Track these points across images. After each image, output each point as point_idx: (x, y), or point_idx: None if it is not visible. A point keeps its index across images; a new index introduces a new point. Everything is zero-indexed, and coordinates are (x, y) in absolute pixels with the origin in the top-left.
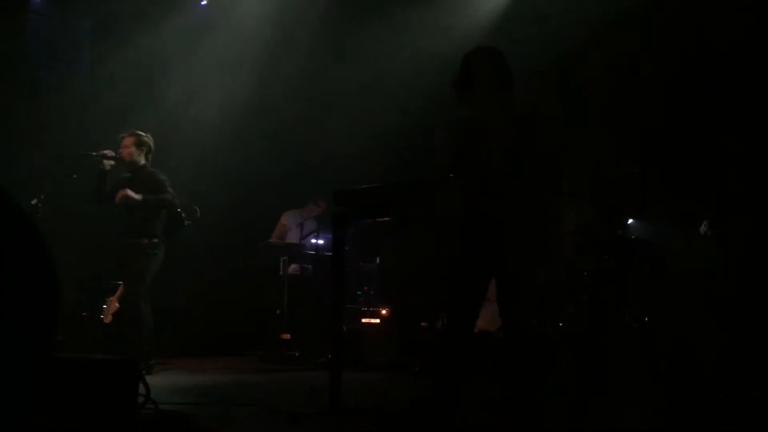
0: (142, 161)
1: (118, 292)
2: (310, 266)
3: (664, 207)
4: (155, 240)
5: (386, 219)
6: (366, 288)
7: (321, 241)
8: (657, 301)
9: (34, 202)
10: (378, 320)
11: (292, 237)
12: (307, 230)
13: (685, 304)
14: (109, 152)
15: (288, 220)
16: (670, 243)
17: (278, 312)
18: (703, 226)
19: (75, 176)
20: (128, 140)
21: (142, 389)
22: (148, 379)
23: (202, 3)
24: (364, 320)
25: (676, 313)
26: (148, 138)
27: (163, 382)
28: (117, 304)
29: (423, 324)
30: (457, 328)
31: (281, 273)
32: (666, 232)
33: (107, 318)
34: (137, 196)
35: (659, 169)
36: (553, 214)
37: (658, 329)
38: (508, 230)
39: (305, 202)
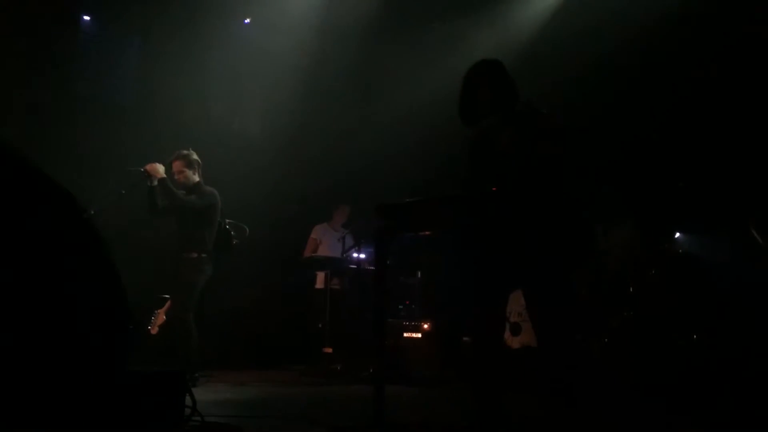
0: (197, 178)
1: (166, 305)
2: (346, 279)
3: (710, 220)
4: (204, 255)
5: (428, 233)
6: (407, 302)
7: (362, 255)
8: (704, 317)
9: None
10: (420, 335)
11: (325, 250)
12: (347, 244)
13: (733, 320)
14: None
15: (318, 234)
16: (718, 257)
17: (320, 326)
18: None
19: (123, 192)
20: (178, 164)
21: (188, 401)
22: (194, 391)
23: (246, 22)
24: (405, 335)
25: (725, 329)
26: (194, 156)
27: (207, 394)
28: (164, 317)
29: (465, 339)
30: (485, 343)
31: (317, 287)
32: (714, 246)
33: (154, 330)
34: (162, 174)
35: (706, 182)
36: (577, 220)
37: (705, 346)
38: (527, 241)
39: (331, 214)
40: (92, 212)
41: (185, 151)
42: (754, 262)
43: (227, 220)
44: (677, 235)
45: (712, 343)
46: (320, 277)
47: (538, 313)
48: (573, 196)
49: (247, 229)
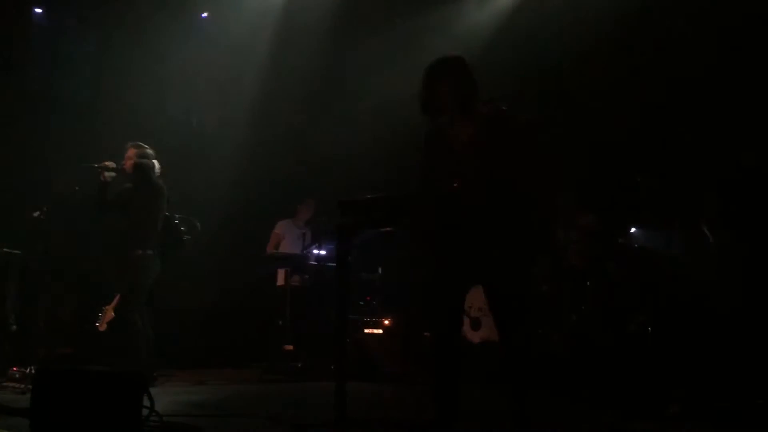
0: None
1: (114, 302)
2: (306, 276)
3: (666, 215)
4: (149, 252)
5: (390, 229)
6: (368, 298)
7: (323, 252)
8: (659, 309)
9: (36, 214)
10: (381, 330)
11: (287, 246)
12: (307, 241)
13: (687, 313)
14: (110, 164)
15: (282, 229)
16: (673, 251)
17: (281, 323)
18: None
19: (77, 188)
20: (131, 152)
21: (146, 401)
22: (152, 391)
23: (203, 16)
24: (366, 331)
25: (679, 321)
26: (150, 151)
27: (166, 394)
28: (112, 314)
29: (426, 334)
30: (443, 340)
31: (278, 284)
32: (668, 241)
33: (102, 326)
34: (111, 166)
35: (662, 177)
36: (537, 217)
37: (661, 337)
38: (488, 239)
39: (295, 211)
40: (38, 214)
41: (145, 146)
42: (705, 257)
43: (177, 215)
44: (633, 229)
45: (666, 335)
46: (281, 273)
47: (499, 308)
48: (532, 194)
49: (199, 225)
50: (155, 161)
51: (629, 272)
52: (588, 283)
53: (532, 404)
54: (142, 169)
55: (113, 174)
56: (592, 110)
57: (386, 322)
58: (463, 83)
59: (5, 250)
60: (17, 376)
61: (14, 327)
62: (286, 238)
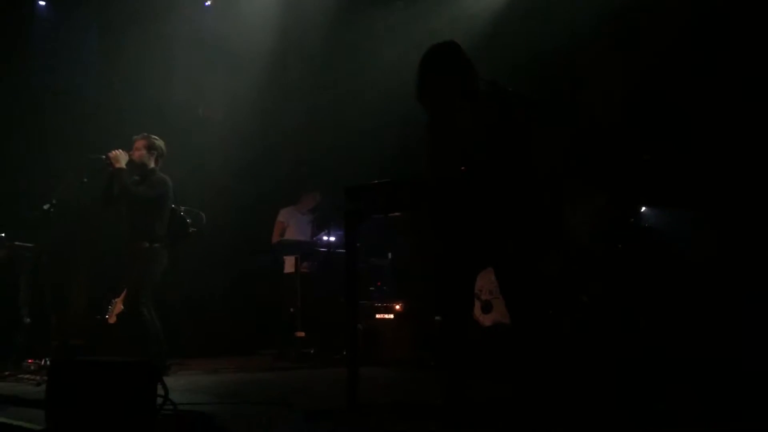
0: (152, 165)
1: (123, 294)
2: (315, 263)
3: (676, 194)
4: (156, 244)
5: (398, 214)
6: (379, 284)
7: (332, 238)
8: (670, 290)
9: (46, 207)
10: (392, 316)
11: (293, 234)
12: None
13: (697, 294)
14: (120, 152)
15: (285, 217)
16: (683, 231)
17: (292, 310)
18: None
19: (85, 180)
20: (140, 143)
21: (160, 390)
22: (165, 379)
23: (207, 4)
24: (378, 316)
25: (689, 303)
26: (159, 142)
27: (180, 382)
28: (122, 306)
29: (437, 318)
30: (454, 323)
31: (286, 271)
32: (679, 221)
33: (111, 319)
34: (123, 164)
35: (672, 156)
36: (545, 199)
37: (670, 319)
38: (496, 221)
39: (298, 198)
40: (47, 207)
41: (154, 136)
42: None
43: (183, 208)
44: (643, 209)
45: (674, 319)
46: (289, 261)
47: (510, 291)
48: (541, 174)
49: (204, 216)
50: (163, 151)
51: (639, 253)
52: (598, 265)
53: (541, 390)
54: (150, 160)
55: (123, 165)
56: (600, 88)
57: (397, 307)
58: (456, 68)
59: (16, 243)
60: (32, 368)
61: (27, 320)
62: (290, 225)
